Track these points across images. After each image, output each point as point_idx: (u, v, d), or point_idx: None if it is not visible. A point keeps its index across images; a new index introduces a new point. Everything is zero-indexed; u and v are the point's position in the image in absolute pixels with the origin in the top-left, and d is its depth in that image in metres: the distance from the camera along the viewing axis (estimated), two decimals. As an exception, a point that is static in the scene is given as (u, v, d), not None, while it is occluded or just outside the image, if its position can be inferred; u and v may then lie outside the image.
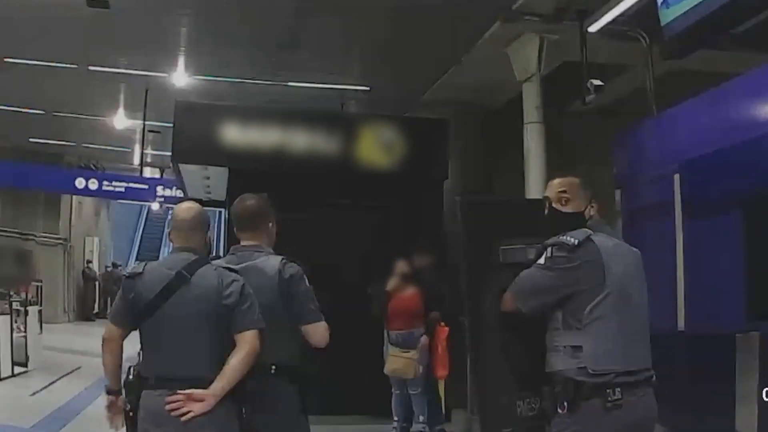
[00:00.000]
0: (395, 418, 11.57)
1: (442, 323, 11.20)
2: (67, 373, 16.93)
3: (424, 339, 11.14)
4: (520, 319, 4.87)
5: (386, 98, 18.10)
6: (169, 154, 15.24)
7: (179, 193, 21.66)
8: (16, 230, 29.26)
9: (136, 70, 17.92)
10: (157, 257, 17.83)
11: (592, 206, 5.06)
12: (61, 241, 31.59)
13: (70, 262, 32.42)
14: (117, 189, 25.89)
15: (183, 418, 4.87)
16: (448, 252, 12.42)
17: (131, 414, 5.13)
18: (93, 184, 25.60)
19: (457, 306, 8.34)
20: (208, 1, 13.95)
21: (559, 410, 4.66)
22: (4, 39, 15.90)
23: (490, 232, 5.28)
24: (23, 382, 16.10)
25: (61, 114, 22.66)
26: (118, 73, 18.07)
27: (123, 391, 5.25)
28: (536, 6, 12.93)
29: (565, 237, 4.73)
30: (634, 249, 5.04)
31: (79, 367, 17.42)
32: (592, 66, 12.96)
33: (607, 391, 4.53)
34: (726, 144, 9.06)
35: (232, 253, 5.90)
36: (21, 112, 22.25)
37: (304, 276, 5.68)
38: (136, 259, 32.31)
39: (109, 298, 32.49)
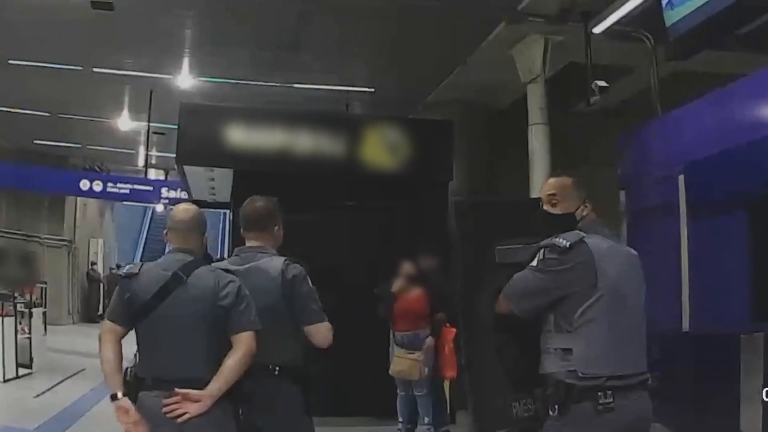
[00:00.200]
0: (400, 420, 11.57)
1: (449, 324, 11.18)
2: (72, 375, 16.92)
3: (429, 340, 11.13)
4: (516, 321, 4.84)
5: (391, 99, 18.12)
6: (174, 155, 15.22)
7: (184, 195, 21.63)
8: (20, 232, 29.25)
9: (140, 71, 17.93)
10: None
11: (585, 207, 4.99)
12: (65, 243, 31.59)
13: (74, 263, 32.41)
14: (121, 191, 25.89)
15: (180, 419, 4.87)
16: (453, 253, 12.40)
17: None
18: (97, 186, 25.61)
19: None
20: (212, 3, 13.97)
21: (550, 413, 4.65)
22: (9, 41, 15.93)
23: (485, 233, 5.27)
24: (27, 383, 16.10)
25: (66, 116, 22.67)
26: (123, 74, 18.10)
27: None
28: (541, 7, 12.94)
29: (557, 239, 4.68)
30: (632, 251, 4.97)
31: (83, 369, 17.40)
32: (596, 67, 12.97)
33: (598, 394, 4.49)
34: (731, 145, 9.06)
35: (236, 254, 5.92)
36: (25, 113, 22.26)
37: (307, 277, 5.68)
38: (141, 261, 32.23)
39: (113, 300, 32.38)
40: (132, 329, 5.16)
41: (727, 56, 12.33)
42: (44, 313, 19.35)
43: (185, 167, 14.94)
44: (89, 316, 32.99)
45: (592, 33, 12.83)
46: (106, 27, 14.84)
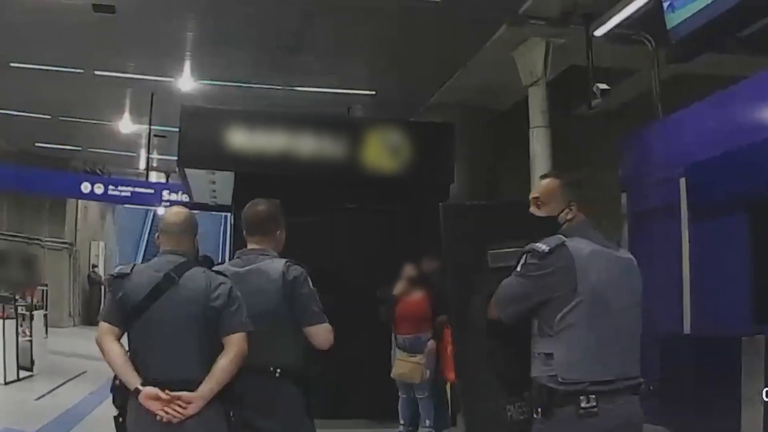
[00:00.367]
0: (401, 422, 11.56)
1: (450, 326, 11.16)
2: (73, 378, 16.93)
3: (431, 343, 11.12)
4: (507, 325, 4.83)
5: (392, 102, 18.13)
6: (175, 158, 15.23)
7: (185, 198, 21.63)
8: (21, 234, 29.28)
9: (141, 74, 17.96)
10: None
11: (570, 209, 4.90)
12: (66, 246, 31.61)
13: (75, 266, 32.43)
14: (123, 193, 25.93)
15: (172, 421, 4.86)
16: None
17: (120, 420, 5.09)
18: (99, 189, 25.64)
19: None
20: (213, 6, 13.98)
21: (535, 416, 4.64)
22: (11, 44, 15.96)
23: (475, 236, 5.24)
24: (28, 386, 16.10)
25: (67, 118, 22.70)
26: (124, 77, 18.12)
27: (113, 396, 5.18)
28: (542, 10, 12.96)
29: (537, 244, 4.64)
30: (623, 254, 4.88)
31: (84, 372, 17.41)
32: (597, 70, 12.98)
33: (580, 398, 4.44)
34: (732, 147, 9.06)
35: (238, 257, 5.93)
36: (27, 116, 22.30)
37: (308, 278, 5.68)
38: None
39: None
40: (125, 331, 5.13)
41: (728, 59, 12.34)
42: (45, 316, 19.36)
43: (186, 170, 14.95)
44: (90, 318, 32.94)
45: (593, 36, 12.84)
46: (108, 30, 14.86)
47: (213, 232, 35.15)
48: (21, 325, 16.87)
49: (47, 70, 17.50)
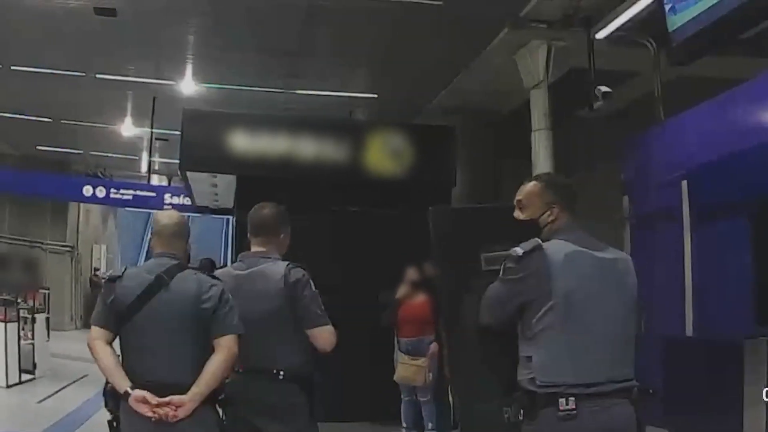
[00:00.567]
0: (404, 425, 11.58)
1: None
2: (75, 381, 16.92)
3: (434, 346, 11.13)
4: (498, 327, 4.82)
5: (394, 105, 18.12)
6: (177, 161, 15.26)
7: (187, 201, 21.68)
8: (23, 238, 29.31)
9: (143, 77, 17.94)
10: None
11: (551, 212, 4.85)
12: (68, 249, 31.62)
13: (77, 269, 32.45)
14: (124, 197, 25.89)
15: (164, 425, 4.85)
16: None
17: (114, 423, 5.09)
18: (100, 192, 25.62)
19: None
20: (215, 10, 13.97)
21: (519, 417, 4.64)
22: (12, 47, 15.98)
23: (465, 239, 5.25)
24: (30, 389, 16.11)
25: (69, 122, 22.73)
26: (126, 81, 18.12)
27: (105, 400, 5.17)
28: (544, 13, 12.95)
29: (514, 248, 4.63)
30: (609, 256, 4.74)
31: (86, 375, 17.38)
32: (599, 72, 12.95)
33: (560, 400, 4.41)
34: (734, 149, 9.05)
35: (240, 260, 5.95)
36: (28, 119, 22.31)
37: (310, 280, 5.69)
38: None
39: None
40: (117, 334, 5.13)
41: (731, 61, 12.32)
42: (47, 319, 19.38)
43: (188, 173, 14.97)
44: (92, 321, 32.97)
45: (594, 38, 12.82)
46: (109, 33, 14.87)
47: (215, 235, 35.18)
48: (23, 328, 16.91)
49: (49, 73, 17.50)
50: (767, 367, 7.89)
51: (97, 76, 17.74)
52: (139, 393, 4.86)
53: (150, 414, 4.83)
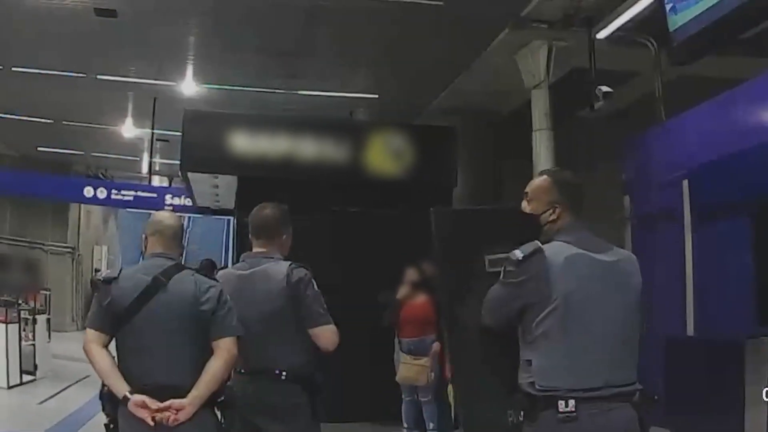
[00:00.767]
0: (405, 425, 11.58)
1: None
2: (76, 382, 16.91)
3: (436, 345, 11.14)
4: (501, 330, 4.79)
5: (395, 106, 18.12)
6: (178, 162, 15.25)
7: (188, 202, 21.69)
8: (24, 239, 29.33)
9: (144, 78, 17.94)
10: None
11: (553, 211, 4.80)
12: (69, 250, 31.66)
13: (78, 270, 32.49)
14: (125, 198, 25.85)
15: (165, 426, 4.80)
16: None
17: (111, 426, 5.03)
18: (101, 193, 25.59)
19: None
20: (216, 10, 13.96)
21: (520, 419, 4.61)
22: (13, 48, 15.98)
23: (468, 241, 5.20)
24: (31, 390, 16.13)
25: (70, 123, 22.73)
26: (126, 81, 18.11)
27: (102, 404, 5.11)
28: (545, 13, 12.95)
29: (514, 250, 4.57)
30: (611, 258, 4.65)
31: (87, 376, 17.33)
32: (600, 72, 12.95)
33: (559, 402, 4.38)
34: (735, 149, 9.05)
35: (243, 260, 5.95)
36: (29, 121, 22.30)
37: (312, 280, 5.69)
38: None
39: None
40: (113, 337, 5.05)
41: (731, 60, 12.32)
42: (48, 320, 19.40)
43: (189, 174, 14.96)
44: (93, 323, 32.98)
45: (595, 38, 12.82)
46: (110, 34, 14.87)
47: (216, 236, 35.18)
48: (24, 330, 16.92)
49: (49, 74, 17.50)
50: (768, 367, 7.90)
51: (98, 76, 17.74)
52: (138, 398, 4.80)
53: (149, 419, 4.78)
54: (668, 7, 9.87)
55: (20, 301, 17.95)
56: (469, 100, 17.15)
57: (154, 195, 26.02)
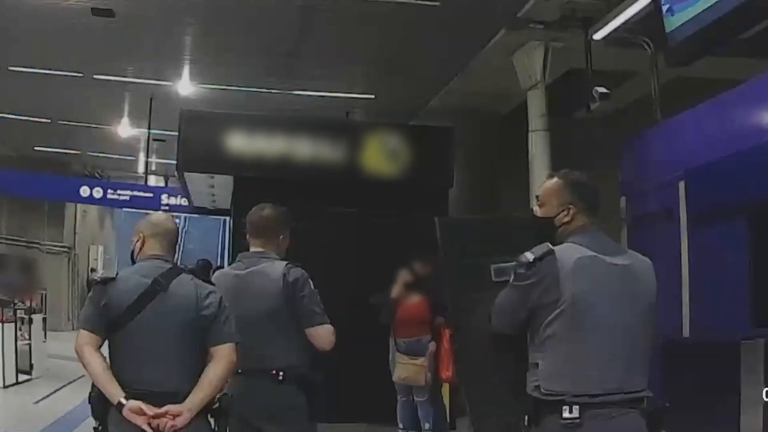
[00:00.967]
0: (400, 426, 11.59)
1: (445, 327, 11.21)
2: (71, 381, 16.88)
3: (432, 345, 11.17)
4: (512, 336, 4.73)
5: (391, 106, 18.13)
6: (174, 162, 15.25)
7: (184, 202, 21.70)
8: (20, 238, 29.31)
9: (140, 78, 17.96)
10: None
11: (568, 212, 4.72)
12: (65, 250, 31.66)
13: (74, 270, 32.47)
14: (122, 197, 25.83)
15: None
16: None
17: (100, 430, 4.97)
18: (98, 193, 25.57)
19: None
20: (213, 10, 13.96)
21: (525, 424, 4.57)
22: (9, 47, 15.96)
23: (475, 251, 5.16)
24: (27, 389, 16.12)
25: (66, 122, 22.73)
26: (123, 81, 18.12)
27: (92, 408, 5.05)
28: (541, 14, 12.94)
29: (525, 253, 4.49)
30: (624, 262, 4.59)
31: (83, 376, 17.20)
32: (597, 73, 12.95)
33: (563, 408, 4.31)
34: (732, 151, 9.04)
35: (239, 260, 5.96)
36: (26, 120, 22.30)
37: (309, 280, 5.70)
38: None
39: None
40: (106, 339, 4.94)
41: (728, 61, 12.32)
42: (44, 320, 19.42)
43: (186, 174, 14.96)
44: (89, 322, 32.94)
45: (592, 39, 12.82)
46: (107, 34, 14.86)
47: (212, 236, 35.16)
48: (20, 329, 16.91)
49: (46, 73, 17.50)
50: (764, 367, 7.90)
51: (95, 76, 17.73)
52: (134, 404, 4.68)
53: (145, 426, 4.67)
54: (665, 8, 9.87)
55: (16, 301, 17.94)
56: (465, 100, 17.15)
57: (151, 195, 26.00)
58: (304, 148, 14.13)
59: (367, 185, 13.97)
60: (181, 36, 15.52)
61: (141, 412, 4.67)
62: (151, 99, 19.51)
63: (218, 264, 18.31)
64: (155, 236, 5.23)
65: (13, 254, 28.53)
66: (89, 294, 5.07)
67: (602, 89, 12.61)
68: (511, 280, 4.60)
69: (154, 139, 22.71)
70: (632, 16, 11.85)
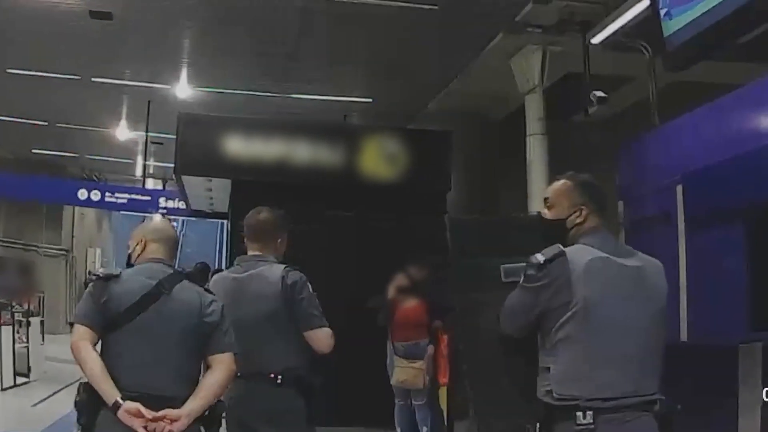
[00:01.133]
0: (398, 429, 11.57)
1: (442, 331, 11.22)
2: (69, 384, 16.78)
3: (430, 349, 11.16)
4: (520, 340, 4.70)
5: (389, 110, 18.14)
6: (172, 165, 15.23)
7: (182, 205, 21.67)
8: (18, 241, 29.30)
9: (138, 81, 17.97)
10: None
11: (580, 212, 4.68)
12: (63, 252, 31.66)
13: (72, 272, 32.47)
14: (119, 200, 25.79)
15: None
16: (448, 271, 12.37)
17: None
18: (95, 196, 25.53)
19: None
20: (211, 13, 13.97)
21: (537, 430, 4.52)
22: (7, 50, 15.97)
23: (485, 251, 5.15)
24: (25, 392, 16.11)
25: (64, 125, 22.73)
26: (121, 84, 18.14)
27: (78, 413, 4.83)
28: (539, 18, 12.97)
29: (536, 254, 4.44)
30: (635, 264, 4.61)
31: (80, 378, 17.39)
32: (594, 77, 12.97)
33: (577, 414, 4.25)
34: (729, 155, 9.05)
35: (238, 264, 5.96)
36: (24, 123, 22.31)
37: (308, 283, 5.70)
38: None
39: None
40: (103, 337, 4.84)
41: (726, 66, 12.35)
42: (42, 322, 19.42)
43: (183, 177, 14.95)
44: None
45: (590, 43, 12.84)
46: (105, 37, 14.88)
47: (209, 240, 35.15)
48: (18, 332, 16.91)
49: (44, 76, 17.50)
50: (761, 371, 7.90)
51: (93, 79, 17.74)
52: (132, 405, 4.53)
53: (141, 429, 4.54)
54: (663, 12, 9.88)
55: (14, 303, 17.93)
56: (463, 104, 17.16)
57: (148, 198, 25.96)
58: (302, 152, 14.11)
59: (365, 189, 13.95)
60: (179, 39, 15.53)
61: (139, 414, 4.53)
62: (148, 102, 19.49)
63: (216, 267, 18.31)
64: (158, 241, 5.20)
65: (11, 257, 28.52)
66: (88, 289, 4.95)
67: (600, 93, 12.63)
68: (521, 282, 4.55)
69: (152, 142, 22.70)
70: (630, 21, 11.88)
